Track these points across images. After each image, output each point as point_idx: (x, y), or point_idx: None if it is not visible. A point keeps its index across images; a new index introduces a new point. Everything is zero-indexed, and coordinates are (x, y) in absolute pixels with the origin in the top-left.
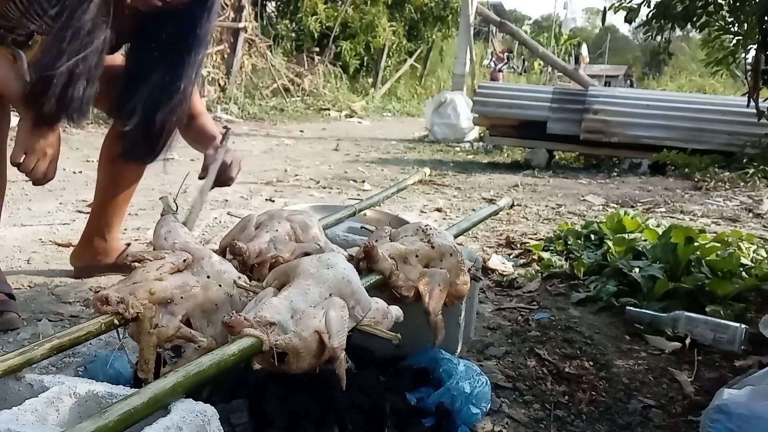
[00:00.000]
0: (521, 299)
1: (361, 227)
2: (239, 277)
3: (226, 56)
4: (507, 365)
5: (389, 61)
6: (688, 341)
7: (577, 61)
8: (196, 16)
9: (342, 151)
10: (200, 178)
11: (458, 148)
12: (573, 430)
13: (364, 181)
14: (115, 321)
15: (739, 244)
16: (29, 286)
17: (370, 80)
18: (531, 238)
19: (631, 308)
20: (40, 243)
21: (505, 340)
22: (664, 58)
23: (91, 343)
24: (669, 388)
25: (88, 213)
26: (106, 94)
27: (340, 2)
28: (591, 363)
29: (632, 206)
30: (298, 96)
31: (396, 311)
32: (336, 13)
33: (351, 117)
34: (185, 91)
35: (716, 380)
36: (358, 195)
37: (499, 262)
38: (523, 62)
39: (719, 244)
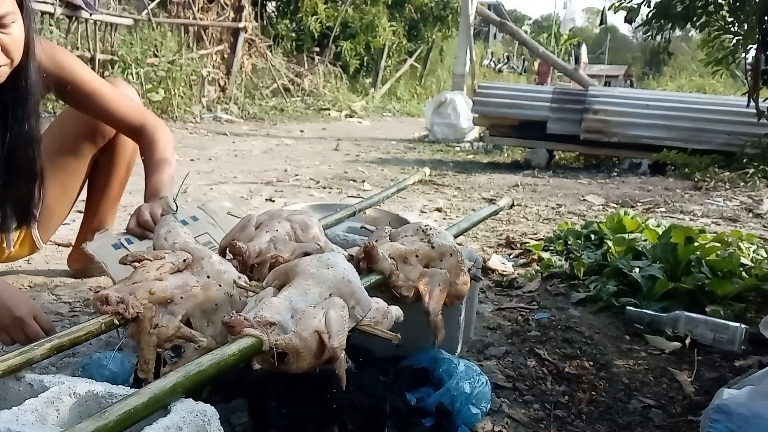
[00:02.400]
0: (521, 299)
1: (361, 227)
2: (239, 277)
3: (226, 56)
4: (507, 365)
5: (389, 61)
6: (688, 341)
7: (577, 61)
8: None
9: (342, 151)
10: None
11: (458, 148)
12: (573, 430)
13: (364, 181)
14: (115, 321)
15: (739, 244)
16: (29, 286)
17: (370, 80)
18: (531, 238)
19: (631, 308)
20: None
21: (505, 340)
22: (664, 58)
23: (91, 343)
24: (669, 388)
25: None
26: None
27: (340, 2)
28: (591, 363)
29: (632, 206)
30: (298, 96)
31: (396, 311)
32: (336, 13)
33: (351, 117)
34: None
35: (716, 380)
36: (358, 195)
37: (499, 262)
38: (523, 62)
39: (719, 244)
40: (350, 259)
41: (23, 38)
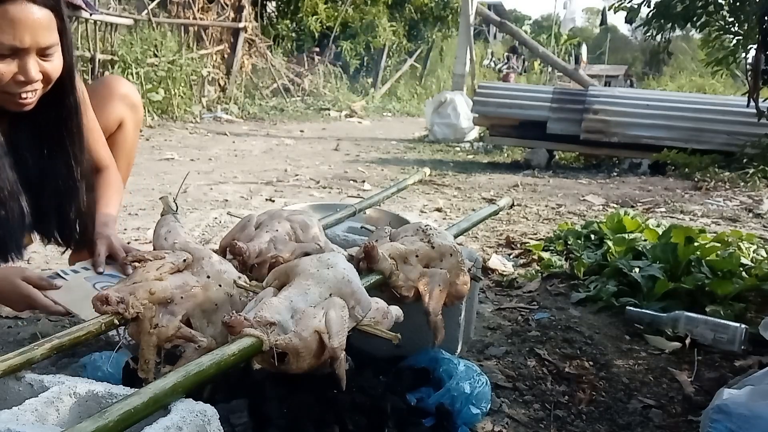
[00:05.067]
0: (521, 299)
1: (361, 227)
2: (239, 277)
3: (226, 56)
4: (507, 365)
5: (389, 61)
6: (688, 341)
7: (577, 61)
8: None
9: (342, 151)
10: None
11: (458, 148)
12: (573, 430)
13: (364, 181)
14: (115, 321)
15: (739, 244)
16: None
17: (370, 80)
18: (531, 238)
19: (631, 308)
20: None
21: (505, 340)
22: (664, 57)
23: (91, 343)
24: (669, 388)
25: None
26: None
27: (340, 2)
28: (591, 363)
29: (632, 206)
30: (298, 96)
31: (396, 311)
32: (336, 13)
33: (351, 117)
34: (85, 176)
35: (716, 380)
36: (358, 195)
37: (499, 262)
38: (523, 62)
39: (719, 244)
40: (350, 259)
41: (62, 65)
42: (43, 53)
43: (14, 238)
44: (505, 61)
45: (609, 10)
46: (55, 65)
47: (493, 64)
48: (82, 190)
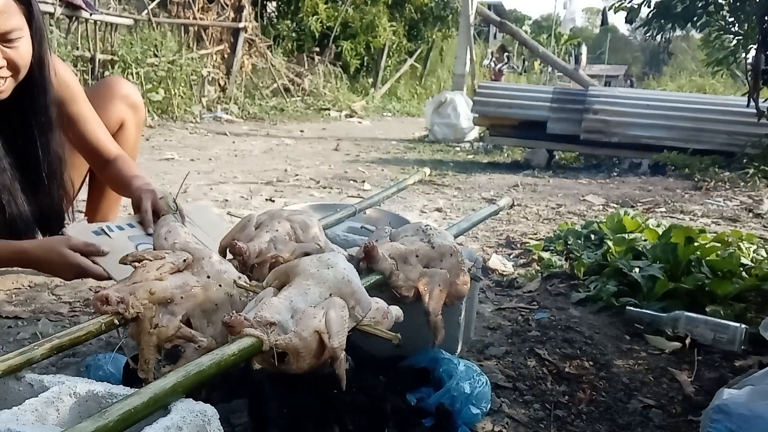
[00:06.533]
0: (521, 299)
1: (361, 227)
2: (239, 277)
3: (226, 56)
4: (507, 365)
5: (389, 61)
6: (688, 341)
7: (577, 61)
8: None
9: (342, 151)
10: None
11: (458, 148)
12: (573, 430)
13: (364, 181)
14: (115, 321)
15: (739, 244)
16: (29, 286)
17: (370, 80)
18: (531, 238)
19: (631, 308)
20: None
21: (505, 340)
22: (664, 57)
23: (91, 343)
24: (669, 388)
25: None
26: None
27: (340, 2)
28: (591, 363)
29: (632, 206)
30: (298, 96)
31: (396, 311)
32: (336, 13)
33: (351, 117)
34: (54, 170)
35: (716, 380)
36: (358, 195)
37: (499, 262)
38: (523, 62)
39: (719, 244)
40: (350, 259)
41: (30, 53)
42: (4, 39)
43: (29, 230)
44: (505, 61)
45: (609, 10)
46: (20, 52)
47: (492, 64)
48: (55, 183)
